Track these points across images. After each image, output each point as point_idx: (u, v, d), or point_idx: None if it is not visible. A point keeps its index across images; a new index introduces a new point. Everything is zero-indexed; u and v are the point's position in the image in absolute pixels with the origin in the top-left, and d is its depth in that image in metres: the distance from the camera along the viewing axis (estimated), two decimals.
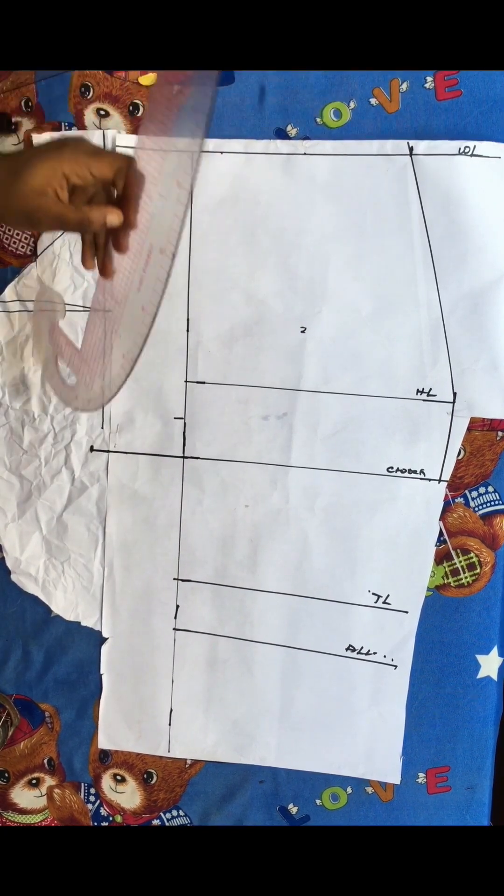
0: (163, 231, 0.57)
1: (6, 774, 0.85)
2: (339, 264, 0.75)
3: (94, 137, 0.75)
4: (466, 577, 0.78)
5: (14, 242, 0.78)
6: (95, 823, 0.85)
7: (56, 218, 0.55)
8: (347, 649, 0.79)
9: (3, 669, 0.84)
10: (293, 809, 0.82)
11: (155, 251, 0.57)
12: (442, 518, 0.77)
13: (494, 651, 0.78)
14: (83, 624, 0.82)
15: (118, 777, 0.84)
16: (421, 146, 0.72)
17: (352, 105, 0.73)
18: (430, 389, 0.75)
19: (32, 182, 0.53)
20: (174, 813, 0.84)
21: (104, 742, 0.83)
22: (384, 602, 0.78)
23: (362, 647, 0.79)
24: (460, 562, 0.78)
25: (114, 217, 0.55)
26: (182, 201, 0.56)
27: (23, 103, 0.76)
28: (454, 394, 0.75)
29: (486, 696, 0.79)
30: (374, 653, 0.79)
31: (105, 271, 0.61)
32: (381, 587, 0.78)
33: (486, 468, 0.77)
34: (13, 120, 0.76)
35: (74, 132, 0.76)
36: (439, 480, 0.76)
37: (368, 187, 0.73)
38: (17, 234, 0.78)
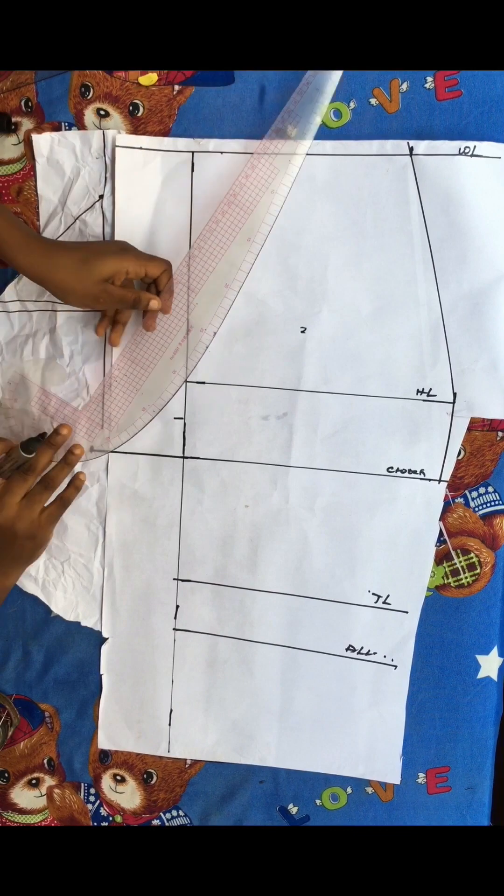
0: (205, 316, 0.76)
1: (6, 774, 0.85)
2: (339, 264, 0.75)
3: (94, 138, 0.76)
4: (466, 578, 0.78)
5: None
6: (95, 823, 0.85)
7: (119, 297, 0.71)
8: (347, 649, 0.79)
9: (3, 669, 0.84)
10: (293, 809, 0.82)
11: (195, 329, 0.76)
12: (442, 518, 0.77)
13: (494, 651, 0.78)
14: (83, 624, 0.82)
15: (118, 777, 0.84)
16: (421, 146, 0.72)
17: (352, 105, 0.73)
18: (430, 389, 0.75)
19: (104, 271, 0.69)
20: (174, 813, 0.84)
21: (104, 742, 0.83)
22: (384, 602, 0.78)
23: (362, 648, 0.79)
24: (460, 562, 0.78)
25: (156, 302, 0.73)
26: (230, 298, 0.75)
27: (23, 103, 0.76)
28: (454, 394, 0.75)
29: (486, 696, 0.79)
30: (375, 653, 0.79)
31: (115, 342, 0.77)
32: (382, 587, 0.78)
33: (486, 468, 0.77)
34: (13, 120, 0.76)
35: (75, 130, 0.76)
36: (439, 480, 0.76)
37: (368, 187, 0.73)
38: None
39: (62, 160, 0.76)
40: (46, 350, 0.79)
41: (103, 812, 0.85)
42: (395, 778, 0.80)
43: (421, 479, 0.76)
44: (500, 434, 0.76)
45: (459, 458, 0.76)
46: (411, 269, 0.74)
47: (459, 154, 0.72)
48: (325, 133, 0.74)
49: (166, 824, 0.84)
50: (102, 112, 0.76)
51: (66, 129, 0.76)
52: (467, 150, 0.71)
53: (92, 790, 0.85)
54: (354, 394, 0.76)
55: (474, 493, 0.77)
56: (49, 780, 0.85)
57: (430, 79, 0.72)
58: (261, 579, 0.79)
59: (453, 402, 0.75)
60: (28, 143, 0.77)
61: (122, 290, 0.71)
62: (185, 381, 0.77)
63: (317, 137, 0.74)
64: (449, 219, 0.73)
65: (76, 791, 0.85)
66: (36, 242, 0.70)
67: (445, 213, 0.73)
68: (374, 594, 0.78)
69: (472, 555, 0.78)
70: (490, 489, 0.77)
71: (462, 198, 0.72)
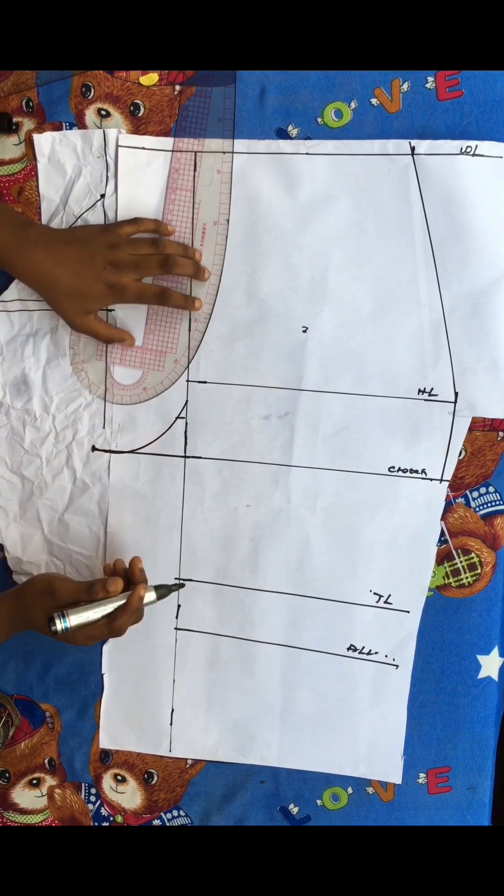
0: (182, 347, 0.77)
1: (7, 774, 0.85)
2: (341, 264, 0.75)
3: (95, 137, 0.76)
4: (467, 578, 0.78)
5: None
6: (96, 823, 0.85)
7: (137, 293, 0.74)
8: (349, 649, 0.79)
9: (4, 669, 0.84)
10: (294, 810, 0.82)
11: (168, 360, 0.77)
12: (443, 518, 0.77)
13: (495, 651, 0.78)
14: None
15: (119, 777, 0.84)
16: (422, 146, 0.72)
17: (353, 105, 0.73)
18: (432, 389, 0.75)
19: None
20: (175, 813, 0.84)
21: (105, 742, 0.83)
22: (385, 602, 0.78)
23: (364, 647, 0.79)
24: (461, 562, 0.78)
25: (199, 302, 0.76)
26: (200, 330, 0.77)
27: (24, 103, 0.76)
28: (455, 394, 0.75)
29: (487, 696, 0.79)
30: (376, 653, 0.79)
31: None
32: (383, 587, 0.78)
33: (486, 468, 0.77)
34: (14, 120, 0.76)
35: (76, 129, 0.76)
36: (440, 480, 0.76)
37: (370, 187, 0.73)
38: None
39: (63, 160, 0.76)
40: (47, 350, 0.79)
41: (104, 812, 0.85)
42: (396, 778, 0.80)
43: (422, 478, 0.76)
44: (500, 434, 0.76)
45: (460, 458, 0.76)
46: (413, 268, 0.74)
47: (461, 154, 0.72)
48: (326, 133, 0.74)
49: (167, 824, 0.84)
50: (103, 112, 0.76)
51: (66, 129, 0.76)
52: (469, 149, 0.71)
53: (93, 790, 0.85)
54: (356, 393, 0.76)
55: (475, 494, 0.77)
56: (50, 780, 0.85)
57: (430, 79, 0.72)
58: (262, 579, 0.79)
59: (455, 402, 0.75)
60: (29, 142, 0.77)
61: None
62: (188, 381, 0.77)
63: (318, 137, 0.74)
64: (450, 218, 0.73)
65: (77, 791, 0.85)
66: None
67: (447, 212, 0.73)
68: (375, 594, 0.78)
69: (473, 555, 0.78)
70: (491, 489, 0.77)
71: (464, 197, 0.72)
